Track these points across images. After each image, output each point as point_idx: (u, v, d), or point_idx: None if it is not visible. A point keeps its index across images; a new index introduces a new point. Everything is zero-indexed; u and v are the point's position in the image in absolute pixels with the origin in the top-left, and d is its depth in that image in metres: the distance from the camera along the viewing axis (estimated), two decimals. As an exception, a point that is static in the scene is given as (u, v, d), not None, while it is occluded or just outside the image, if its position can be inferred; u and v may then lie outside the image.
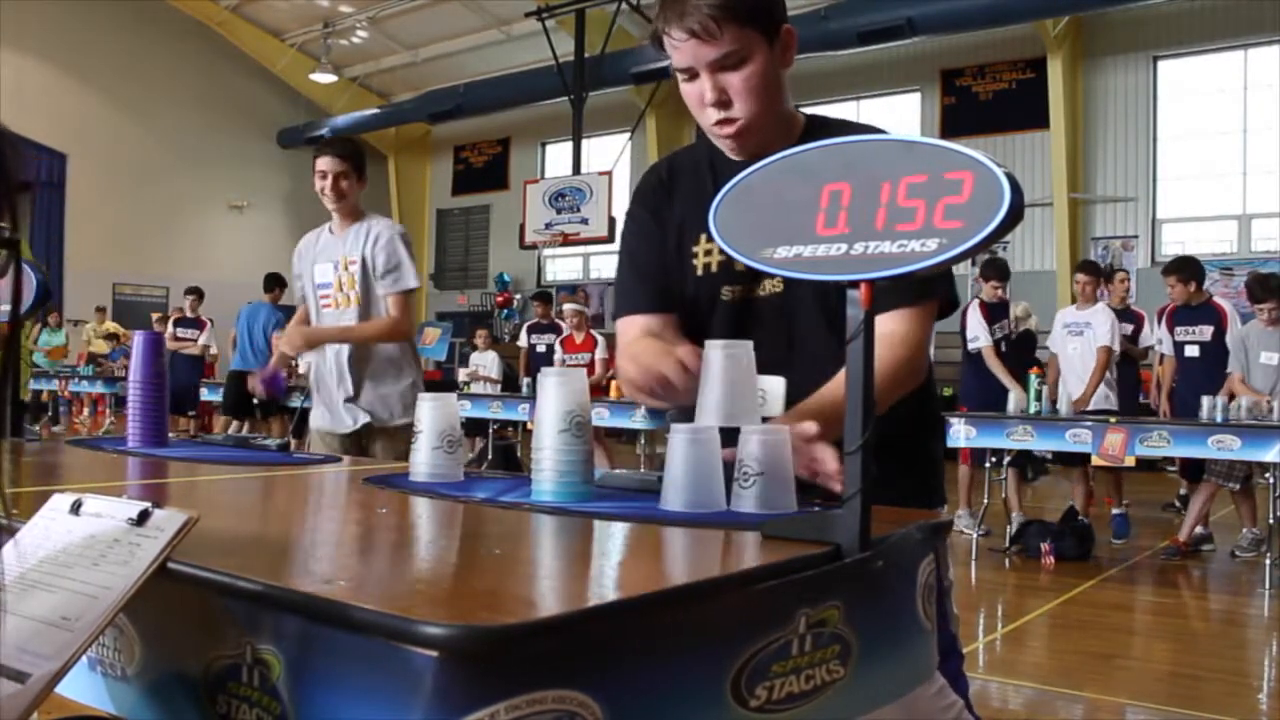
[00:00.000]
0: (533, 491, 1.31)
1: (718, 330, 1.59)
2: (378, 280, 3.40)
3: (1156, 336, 6.94)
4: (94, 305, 14.75)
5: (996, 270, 6.77)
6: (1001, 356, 6.55)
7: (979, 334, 6.58)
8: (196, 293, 11.12)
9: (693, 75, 1.53)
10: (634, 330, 1.66)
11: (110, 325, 13.92)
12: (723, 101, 1.52)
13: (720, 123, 1.54)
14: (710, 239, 1.60)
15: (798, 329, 1.58)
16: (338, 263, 3.50)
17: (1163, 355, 6.80)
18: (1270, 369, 5.97)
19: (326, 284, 3.53)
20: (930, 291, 1.55)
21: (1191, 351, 6.56)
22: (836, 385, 1.38)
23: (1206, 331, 6.48)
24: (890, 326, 1.49)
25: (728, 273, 1.61)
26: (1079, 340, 6.44)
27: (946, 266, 1.00)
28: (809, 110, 1.70)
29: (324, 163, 3.41)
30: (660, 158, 1.79)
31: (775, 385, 1.44)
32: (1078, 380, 6.35)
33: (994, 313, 6.65)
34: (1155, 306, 8.19)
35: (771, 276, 1.54)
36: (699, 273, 1.64)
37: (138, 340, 1.91)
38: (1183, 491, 7.76)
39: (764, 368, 1.48)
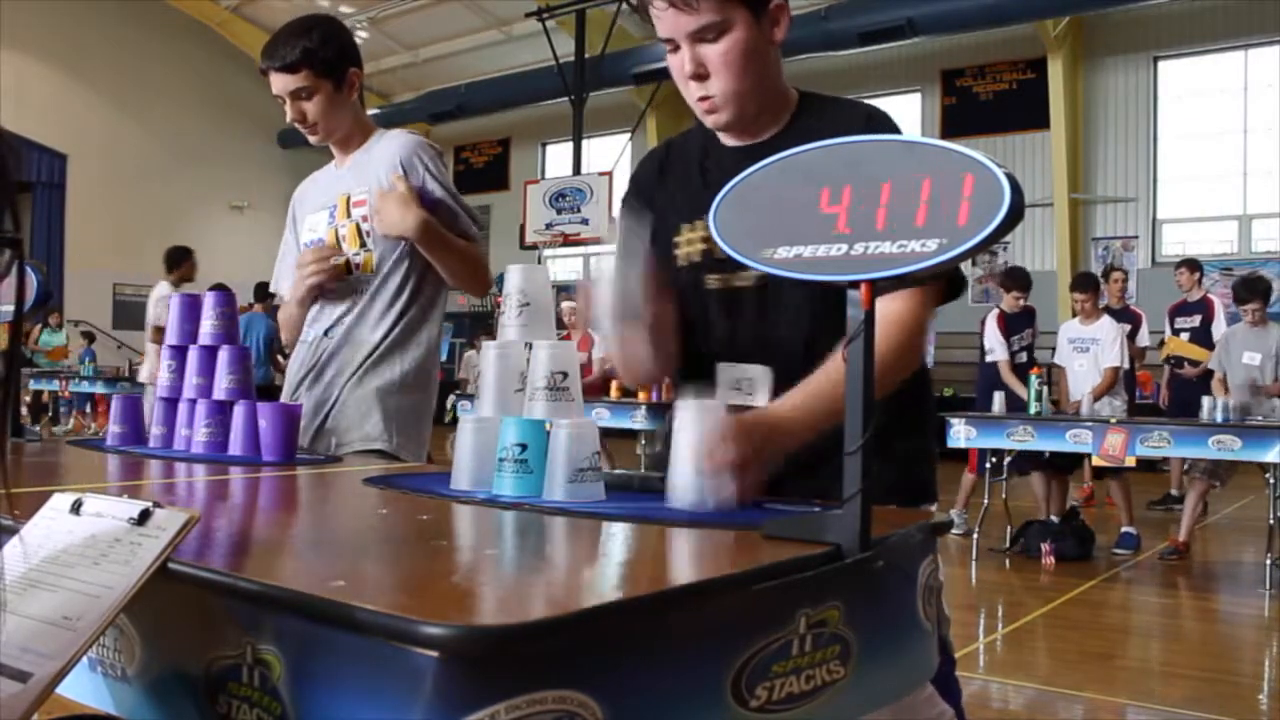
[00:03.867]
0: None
1: (702, 319, 1.60)
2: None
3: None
4: (95, 305, 14.76)
5: (1016, 280, 6.77)
6: (1023, 366, 6.55)
7: (995, 347, 6.71)
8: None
9: (675, 46, 1.51)
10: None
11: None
12: (700, 75, 1.50)
13: (699, 97, 1.53)
14: (691, 228, 1.62)
15: (781, 316, 1.56)
16: (334, 207, 2.29)
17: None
18: (1253, 368, 6.09)
19: (315, 242, 2.32)
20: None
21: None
22: (820, 378, 1.38)
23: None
24: (888, 307, 1.43)
25: (709, 262, 1.60)
26: (1085, 357, 6.44)
27: (946, 268, 1.00)
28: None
29: (275, 85, 2.22)
30: (648, 158, 1.77)
31: (759, 373, 1.44)
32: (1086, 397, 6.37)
33: (1013, 323, 6.67)
34: (1156, 306, 8.28)
35: None
36: (680, 263, 1.64)
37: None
38: (1174, 491, 7.88)
39: (747, 356, 1.48)
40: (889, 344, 1.41)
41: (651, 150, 1.78)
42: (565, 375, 1.33)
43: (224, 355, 1.90)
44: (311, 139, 2.28)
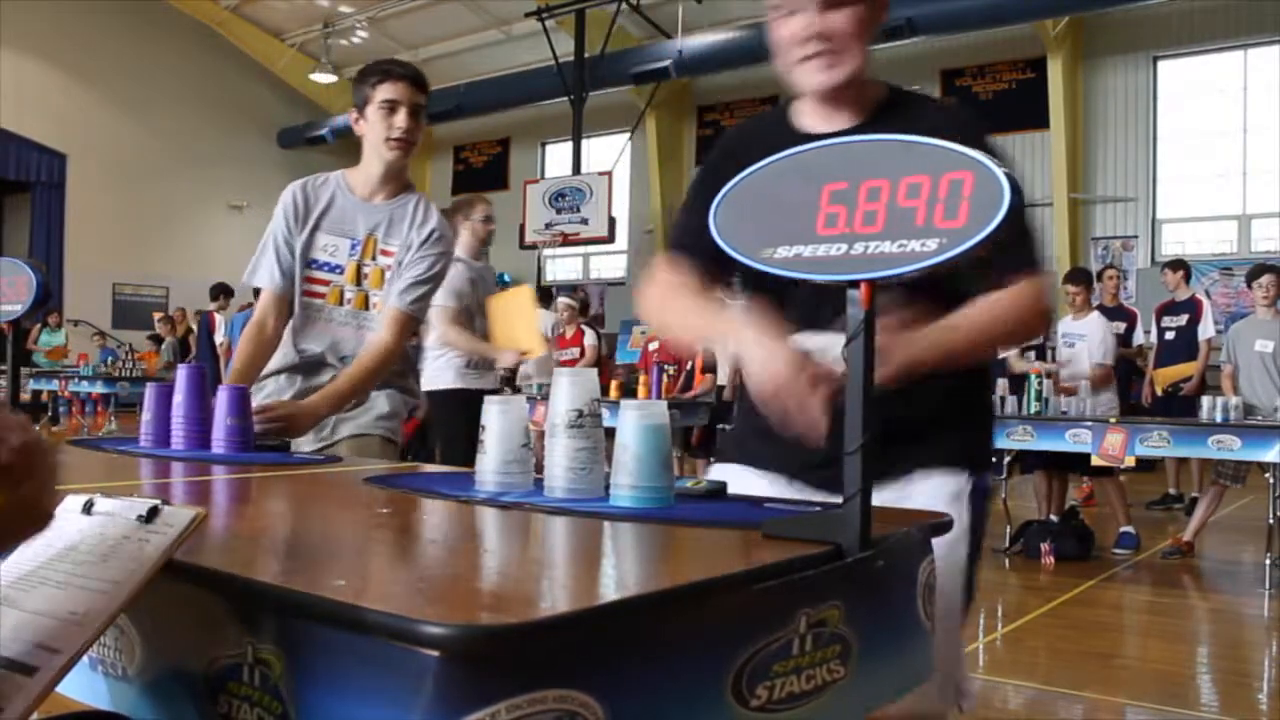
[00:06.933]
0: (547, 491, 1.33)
1: (765, 288, 1.55)
2: (398, 286, 2.40)
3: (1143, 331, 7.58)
4: (95, 305, 14.72)
5: None
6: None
7: None
8: (227, 292, 11.31)
9: (791, 12, 1.56)
10: (670, 269, 1.69)
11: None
12: (824, 35, 1.55)
13: (813, 57, 1.56)
14: None
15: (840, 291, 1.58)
16: (359, 242, 2.43)
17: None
18: (1266, 356, 6.06)
19: (333, 266, 2.44)
20: (1045, 265, 1.59)
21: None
22: (975, 312, 1.44)
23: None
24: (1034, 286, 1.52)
25: None
26: (1072, 352, 6.51)
27: (946, 267, 1.00)
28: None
29: (398, 90, 2.33)
30: (720, 140, 1.83)
31: (821, 342, 1.43)
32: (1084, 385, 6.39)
33: None
34: (1153, 306, 8.31)
35: None
36: None
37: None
38: (1172, 491, 7.88)
39: (806, 326, 1.47)
40: (1037, 306, 1.52)
41: (728, 130, 1.85)
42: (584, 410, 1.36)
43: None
44: (398, 154, 2.39)
